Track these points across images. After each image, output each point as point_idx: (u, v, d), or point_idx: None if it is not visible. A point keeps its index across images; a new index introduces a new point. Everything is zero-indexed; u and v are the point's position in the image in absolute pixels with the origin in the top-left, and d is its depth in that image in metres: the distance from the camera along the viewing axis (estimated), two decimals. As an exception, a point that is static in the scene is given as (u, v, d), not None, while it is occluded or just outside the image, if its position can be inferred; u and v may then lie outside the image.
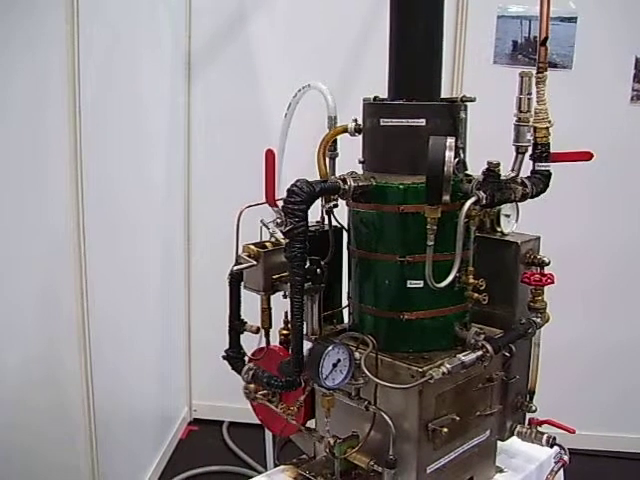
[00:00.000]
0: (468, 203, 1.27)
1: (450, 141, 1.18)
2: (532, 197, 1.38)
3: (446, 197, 1.20)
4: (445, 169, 1.17)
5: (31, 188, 1.85)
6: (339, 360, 1.30)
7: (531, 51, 2.74)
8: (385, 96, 1.42)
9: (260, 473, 2.70)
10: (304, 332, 1.33)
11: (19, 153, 1.78)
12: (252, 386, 1.47)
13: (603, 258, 2.91)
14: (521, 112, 1.36)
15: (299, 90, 1.60)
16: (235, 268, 1.40)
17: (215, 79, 2.98)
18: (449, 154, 1.16)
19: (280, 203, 1.30)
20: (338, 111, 1.55)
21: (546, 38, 1.36)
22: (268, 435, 2.15)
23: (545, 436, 1.58)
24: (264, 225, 1.38)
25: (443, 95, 1.43)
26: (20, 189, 1.79)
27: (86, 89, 1.99)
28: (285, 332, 1.49)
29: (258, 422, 1.63)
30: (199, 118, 3.03)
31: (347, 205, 1.43)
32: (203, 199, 3.10)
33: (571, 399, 2.82)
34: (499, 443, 1.57)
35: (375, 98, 1.42)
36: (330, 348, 1.28)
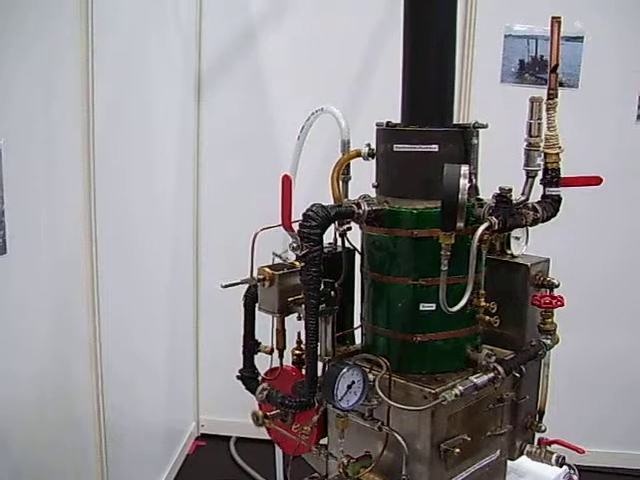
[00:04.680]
0: (481, 229, 1.28)
1: (465, 169, 1.19)
2: (543, 222, 1.40)
3: (460, 224, 1.22)
4: (460, 197, 1.18)
5: (45, 204, 1.87)
6: (354, 382, 1.31)
7: (538, 70, 2.77)
8: (394, 116, 1.44)
9: (268, 489, 2.73)
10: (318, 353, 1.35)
11: (33, 170, 1.81)
12: (260, 412, 1.48)
13: (603, 273, 2.92)
14: (531, 137, 1.37)
15: (312, 114, 1.61)
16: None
17: (225, 99, 2.99)
18: (464, 182, 1.18)
19: (295, 227, 1.32)
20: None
21: (557, 65, 1.37)
22: (278, 452, 2.16)
23: (554, 455, 1.59)
24: (276, 256, 1.41)
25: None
26: (35, 204, 1.82)
27: (98, 106, 2.01)
28: (298, 352, 1.50)
29: (265, 438, 1.64)
30: (208, 137, 3.04)
31: (360, 228, 1.45)
32: (212, 216, 3.11)
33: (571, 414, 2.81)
34: (509, 462, 1.58)
35: (388, 123, 1.44)
36: (345, 370, 1.29)
